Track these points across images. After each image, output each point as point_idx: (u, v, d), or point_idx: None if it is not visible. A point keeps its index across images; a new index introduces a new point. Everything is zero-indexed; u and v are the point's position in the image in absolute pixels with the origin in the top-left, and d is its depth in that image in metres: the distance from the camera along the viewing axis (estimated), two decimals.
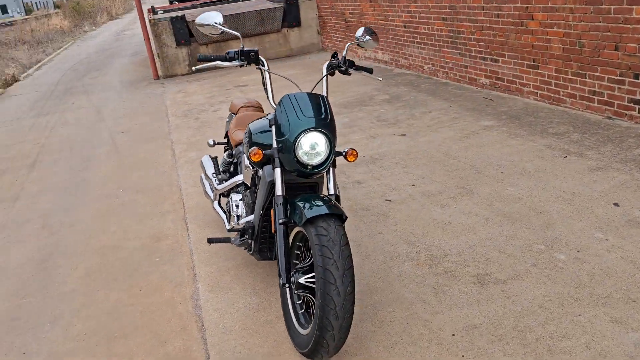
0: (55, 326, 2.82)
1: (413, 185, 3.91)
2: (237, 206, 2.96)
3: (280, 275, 2.26)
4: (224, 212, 3.20)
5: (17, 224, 4.26)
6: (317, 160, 2.31)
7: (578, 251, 2.81)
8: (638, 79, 4.33)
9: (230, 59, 2.61)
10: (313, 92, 2.57)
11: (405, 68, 7.99)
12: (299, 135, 2.26)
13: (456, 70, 6.73)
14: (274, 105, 2.48)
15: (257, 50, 2.63)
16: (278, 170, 2.35)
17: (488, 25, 5.92)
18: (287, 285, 2.25)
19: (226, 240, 2.80)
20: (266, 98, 2.85)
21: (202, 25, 2.62)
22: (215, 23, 2.59)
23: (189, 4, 12.00)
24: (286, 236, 2.30)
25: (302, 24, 10.77)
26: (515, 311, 2.42)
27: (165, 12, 11.02)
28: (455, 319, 2.43)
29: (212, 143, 3.57)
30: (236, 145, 3.17)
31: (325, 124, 2.31)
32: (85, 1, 34.44)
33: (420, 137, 4.92)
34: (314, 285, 2.19)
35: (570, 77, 4.99)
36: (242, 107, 3.50)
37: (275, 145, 2.37)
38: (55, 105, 8.94)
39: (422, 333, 2.37)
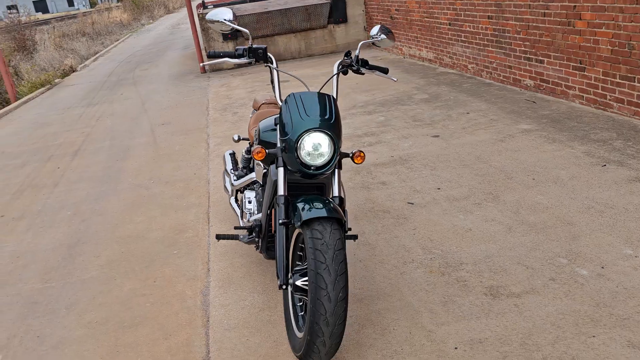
0: (71, 312, 2.91)
1: (438, 189, 3.79)
2: (249, 202, 2.95)
3: (278, 277, 2.23)
4: (239, 208, 3.21)
5: (52, 210, 4.43)
6: (320, 161, 2.26)
7: (602, 267, 2.64)
8: None
9: (239, 56, 2.59)
10: (321, 91, 2.53)
11: (449, 67, 7.78)
12: (301, 135, 2.22)
13: (500, 71, 6.49)
14: (281, 104, 2.45)
15: (266, 48, 2.60)
16: (281, 170, 2.32)
17: (534, 24, 5.67)
18: (284, 287, 2.22)
19: (235, 237, 2.80)
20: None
21: (212, 21, 2.61)
22: (225, 19, 2.58)
23: None
24: (286, 237, 2.27)
25: (348, 20, 10.69)
26: (525, 327, 2.30)
27: (214, 6, 11.20)
28: (461, 332, 2.33)
29: (236, 138, 3.58)
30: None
31: (329, 125, 2.26)
32: None
33: (453, 139, 4.77)
34: None
35: (618, 80, 4.70)
36: (263, 103, 3.49)
37: (279, 144, 2.34)
38: (105, 96, 9.27)
39: (423, 344, 2.29)
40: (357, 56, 2.67)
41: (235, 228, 2.70)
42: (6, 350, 2.64)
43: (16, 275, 3.39)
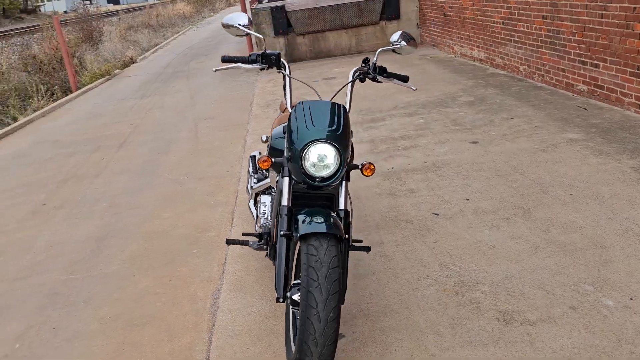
0: (88, 306, 2.99)
1: (467, 199, 3.63)
2: (265, 207, 2.93)
3: (276, 289, 2.19)
4: (256, 211, 3.19)
5: (90, 201, 4.58)
6: (325, 173, 2.20)
7: (631, 298, 2.44)
8: None
9: (252, 62, 2.56)
10: (334, 99, 2.46)
11: (500, 68, 7.47)
12: (306, 145, 2.16)
13: (553, 74, 6.15)
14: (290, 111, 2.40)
15: (279, 54, 2.55)
16: (286, 180, 2.28)
17: (590, 25, 5.32)
18: (281, 300, 2.17)
19: (245, 243, 2.78)
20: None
21: (227, 26, 2.59)
22: (239, 24, 2.55)
23: None
24: (287, 249, 2.22)
25: (401, 16, 10.48)
26: (535, 359, 2.16)
27: (269, 1, 11.26)
28: (465, 359, 2.21)
29: (264, 139, 3.56)
30: None
31: (336, 136, 2.19)
32: None
33: (492, 146, 4.56)
34: None
35: None
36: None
37: (285, 153, 2.29)
38: (158, 88, 9.53)
39: None
40: (375, 63, 2.57)
41: (244, 234, 2.69)
42: (22, 340, 2.75)
43: (45, 265, 3.53)
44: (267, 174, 3.33)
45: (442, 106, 6.00)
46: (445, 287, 2.71)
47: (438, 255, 3.01)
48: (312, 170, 2.19)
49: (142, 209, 4.27)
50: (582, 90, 5.64)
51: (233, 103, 7.66)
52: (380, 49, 2.66)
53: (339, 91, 2.60)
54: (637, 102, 4.84)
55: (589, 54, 5.42)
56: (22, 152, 6.52)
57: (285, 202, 2.25)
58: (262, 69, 2.60)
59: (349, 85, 2.53)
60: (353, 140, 5.17)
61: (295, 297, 2.15)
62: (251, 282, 2.99)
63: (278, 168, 2.50)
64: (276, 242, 2.40)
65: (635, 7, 4.68)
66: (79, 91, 10.22)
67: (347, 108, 2.49)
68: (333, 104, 2.32)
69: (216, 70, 2.69)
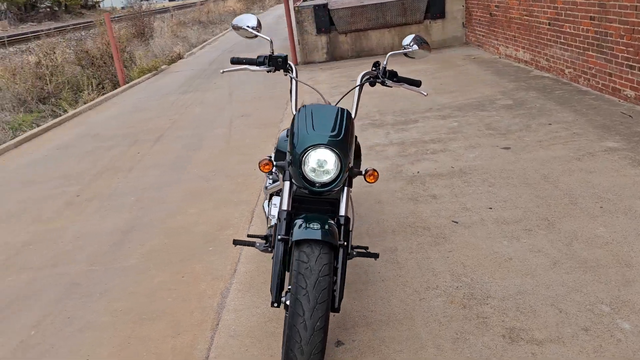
0: (103, 298, 3.08)
1: (490, 208, 3.51)
2: (275, 207, 2.92)
3: (271, 293, 2.18)
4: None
5: (121, 195, 4.72)
6: (325, 179, 2.17)
7: None
8: None
9: (260, 64, 2.55)
10: (340, 103, 2.42)
11: (545, 70, 7.19)
12: (306, 150, 2.14)
13: (599, 78, 5.86)
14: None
15: (286, 56, 2.54)
16: (287, 184, 2.26)
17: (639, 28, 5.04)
18: (275, 304, 2.16)
19: (252, 244, 2.78)
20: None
21: (237, 28, 2.59)
22: (248, 27, 2.55)
23: None
24: (284, 253, 2.20)
25: (446, 15, 10.25)
26: None
27: None
28: None
29: None
30: None
31: (337, 141, 2.15)
32: None
33: (525, 152, 4.39)
34: None
35: None
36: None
37: (287, 157, 2.28)
38: (200, 84, 9.71)
39: None
40: (385, 67, 2.51)
41: (249, 236, 2.69)
42: (38, 328, 2.86)
43: (70, 256, 3.65)
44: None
45: (478, 109, 5.83)
46: (453, 299, 2.63)
47: (451, 265, 2.92)
48: (312, 175, 2.16)
49: (167, 204, 4.36)
50: (629, 96, 5.34)
51: (270, 101, 7.71)
52: (390, 53, 2.60)
53: (345, 95, 2.56)
54: None
55: (638, 57, 5.13)
56: (66, 144, 6.79)
57: (284, 206, 2.24)
58: (268, 72, 2.59)
59: (357, 89, 2.49)
60: (362, 144, 5.10)
61: (289, 302, 2.13)
62: (260, 283, 3.00)
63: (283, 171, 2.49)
64: (274, 246, 2.39)
65: None
66: (126, 85, 10.55)
67: (354, 112, 2.45)
68: (337, 108, 2.29)
69: (223, 72, 2.69)
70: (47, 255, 3.70)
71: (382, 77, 2.50)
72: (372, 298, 2.72)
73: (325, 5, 10.12)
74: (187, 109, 7.88)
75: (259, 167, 2.30)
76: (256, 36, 2.60)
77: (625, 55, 5.33)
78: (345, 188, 2.27)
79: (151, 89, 10.14)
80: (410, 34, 10.33)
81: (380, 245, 3.22)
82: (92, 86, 10.64)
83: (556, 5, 6.64)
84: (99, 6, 34.73)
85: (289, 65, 2.57)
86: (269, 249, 2.67)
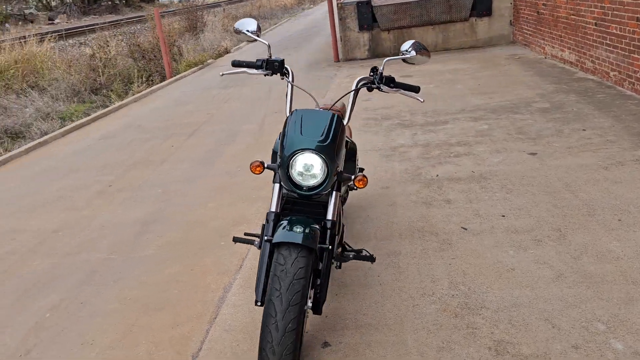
0: (115, 286, 3.24)
1: (503, 216, 3.44)
2: None
3: (256, 292, 2.24)
4: None
5: (149, 186, 4.91)
6: (312, 182, 2.21)
7: None
8: None
9: (258, 67, 2.60)
10: (332, 107, 2.44)
11: (589, 72, 6.90)
12: (293, 154, 2.19)
13: None
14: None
15: (283, 60, 2.58)
16: (276, 186, 2.31)
17: None
18: (258, 303, 2.22)
19: (250, 242, 2.85)
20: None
21: (238, 32, 2.65)
22: (247, 31, 2.60)
23: None
24: (270, 254, 2.25)
25: (493, 13, 9.99)
26: None
27: None
28: None
29: None
30: None
31: (323, 146, 2.18)
32: None
33: (551, 159, 4.26)
34: None
35: None
36: (321, 108, 3.45)
37: (277, 159, 2.33)
38: (241, 79, 9.89)
39: None
40: (381, 73, 2.51)
41: (245, 234, 2.76)
42: (53, 311, 3.04)
43: (94, 244, 3.85)
44: None
45: (512, 112, 5.68)
46: (447, 307, 2.61)
47: (452, 272, 2.89)
48: (299, 179, 2.21)
49: (190, 197, 4.50)
50: None
51: (306, 97, 7.76)
52: (387, 59, 2.60)
53: (339, 100, 2.58)
54: None
55: None
56: (109, 135, 7.09)
57: (273, 207, 2.29)
58: (265, 75, 2.64)
59: (352, 94, 2.50)
60: (387, 145, 5.06)
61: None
62: None
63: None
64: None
65: None
66: (172, 79, 10.89)
67: (347, 118, 2.47)
68: (327, 113, 2.32)
69: (223, 74, 2.76)
70: (72, 242, 3.92)
71: (378, 82, 2.51)
72: (366, 301, 2.74)
73: (368, 2, 10.07)
74: (225, 104, 8.06)
75: (250, 168, 2.36)
76: (255, 40, 2.66)
77: None
78: (334, 192, 2.30)
79: (195, 82, 10.42)
80: (455, 31, 10.06)
81: (385, 248, 3.22)
82: (141, 78, 11.05)
83: (603, 4, 6.36)
84: (158, 0, 35.84)
85: (286, 69, 2.61)
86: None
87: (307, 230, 2.09)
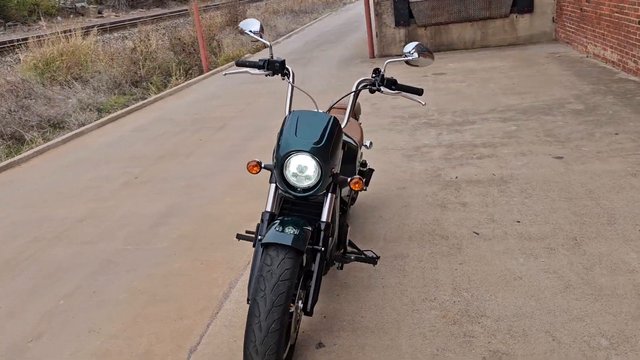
0: (127, 276, 3.33)
1: (518, 222, 3.34)
2: None
3: (248, 291, 2.26)
4: None
5: (172, 179, 5.01)
6: (306, 184, 2.21)
7: None
8: None
9: (259, 67, 2.61)
10: (332, 108, 2.42)
11: (632, 73, 6.60)
12: (287, 155, 2.19)
13: None
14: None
15: (284, 61, 2.57)
16: (272, 186, 2.32)
17: None
18: (249, 303, 2.23)
19: (252, 239, 2.87)
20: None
21: (242, 32, 2.66)
22: (250, 31, 2.61)
23: None
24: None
25: (535, 9, 9.68)
26: None
27: None
28: None
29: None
30: None
31: (318, 149, 2.17)
32: None
33: (578, 164, 4.10)
34: None
35: None
36: (333, 107, 3.44)
37: (273, 160, 2.33)
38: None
39: None
40: (383, 74, 2.48)
41: (247, 232, 2.78)
42: (66, 298, 3.16)
43: (113, 234, 3.96)
44: None
45: (543, 113, 5.50)
46: (446, 313, 2.56)
47: (457, 278, 2.84)
48: (293, 180, 2.21)
49: (210, 191, 4.58)
50: None
51: (335, 94, 7.73)
52: (388, 61, 2.57)
53: (337, 101, 2.56)
54: None
55: None
56: (142, 127, 7.28)
57: (268, 207, 2.30)
58: (267, 75, 2.64)
59: (351, 95, 2.48)
60: (410, 144, 4.98)
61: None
62: None
63: None
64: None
65: None
66: (209, 73, 11.05)
67: (346, 120, 2.45)
68: (324, 116, 2.30)
69: (226, 74, 2.78)
70: (93, 232, 4.05)
71: (379, 84, 2.47)
72: (366, 304, 2.72)
73: None
74: (255, 99, 8.13)
75: (247, 168, 2.37)
76: (257, 40, 2.66)
77: None
78: (329, 194, 2.28)
79: (231, 76, 10.53)
80: (494, 28, 9.83)
81: (393, 250, 3.19)
82: (180, 72, 11.27)
83: None
84: None
85: (287, 69, 2.61)
86: None
87: (297, 232, 2.09)
